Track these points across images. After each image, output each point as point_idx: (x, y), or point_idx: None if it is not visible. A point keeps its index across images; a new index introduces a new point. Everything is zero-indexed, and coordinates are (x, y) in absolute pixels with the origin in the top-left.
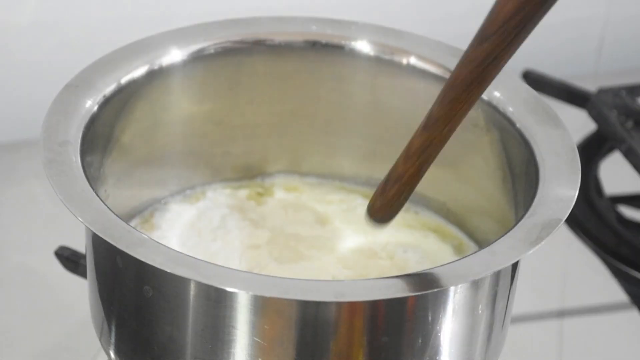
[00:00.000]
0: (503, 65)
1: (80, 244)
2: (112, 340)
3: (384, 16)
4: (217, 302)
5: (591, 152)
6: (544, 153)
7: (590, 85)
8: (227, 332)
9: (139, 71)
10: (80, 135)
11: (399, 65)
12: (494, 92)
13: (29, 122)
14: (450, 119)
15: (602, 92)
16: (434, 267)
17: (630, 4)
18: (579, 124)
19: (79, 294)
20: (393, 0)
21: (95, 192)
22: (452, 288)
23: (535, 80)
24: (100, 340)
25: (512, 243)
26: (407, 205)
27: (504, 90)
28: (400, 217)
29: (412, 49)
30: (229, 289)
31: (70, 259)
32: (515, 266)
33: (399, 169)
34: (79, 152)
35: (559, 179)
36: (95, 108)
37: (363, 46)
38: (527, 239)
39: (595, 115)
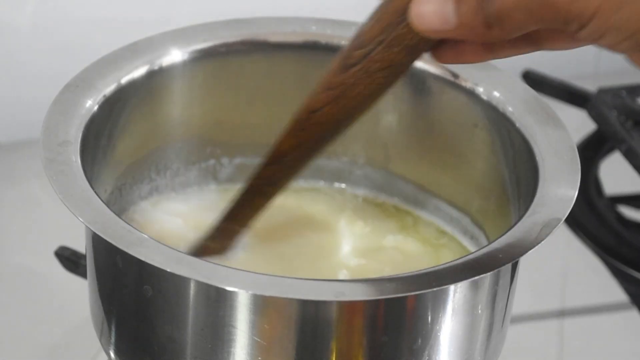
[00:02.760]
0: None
1: (80, 244)
2: (112, 340)
3: None
4: (217, 301)
5: (591, 152)
6: (544, 153)
7: (590, 85)
8: (227, 332)
9: (139, 71)
10: (80, 135)
11: None
12: (494, 92)
13: (29, 122)
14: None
15: (602, 92)
16: (434, 267)
17: None
18: (579, 124)
19: (79, 294)
20: None
21: (95, 192)
22: (451, 287)
23: (535, 80)
24: (100, 340)
25: (512, 243)
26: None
27: (504, 90)
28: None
29: None
30: (228, 289)
31: (70, 259)
32: (515, 266)
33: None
34: (79, 152)
35: (559, 179)
36: (95, 108)
37: None
38: (526, 238)
39: (595, 115)
